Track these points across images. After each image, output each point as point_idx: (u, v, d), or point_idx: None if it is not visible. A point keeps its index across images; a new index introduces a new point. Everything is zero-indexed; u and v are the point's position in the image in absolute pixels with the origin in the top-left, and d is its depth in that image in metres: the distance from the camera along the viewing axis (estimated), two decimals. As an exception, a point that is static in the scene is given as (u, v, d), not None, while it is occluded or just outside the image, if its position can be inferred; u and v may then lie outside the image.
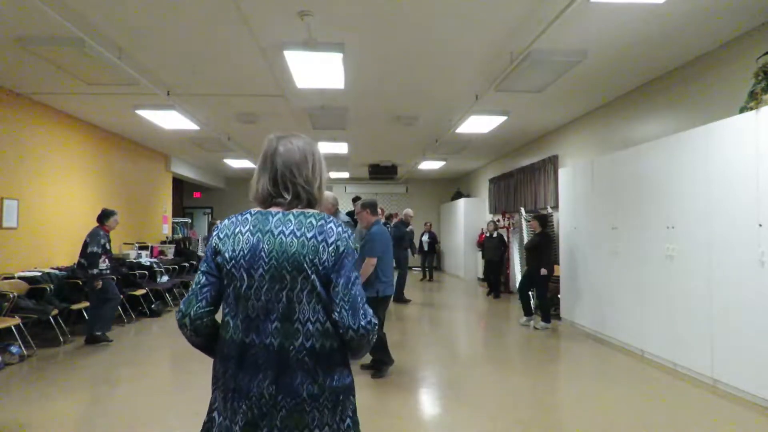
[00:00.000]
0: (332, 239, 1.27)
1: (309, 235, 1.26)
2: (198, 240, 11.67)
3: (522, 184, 9.37)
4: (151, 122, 6.96)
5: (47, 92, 5.84)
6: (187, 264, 9.36)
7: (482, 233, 10.30)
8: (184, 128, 7.24)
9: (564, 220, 6.61)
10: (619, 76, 5.32)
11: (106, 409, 3.48)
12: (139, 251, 7.99)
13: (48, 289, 5.42)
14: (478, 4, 3.71)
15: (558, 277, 6.81)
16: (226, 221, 1.34)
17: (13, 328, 4.67)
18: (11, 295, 4.78)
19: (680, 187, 4.29)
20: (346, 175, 13.91)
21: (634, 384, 4.06)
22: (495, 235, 9.14)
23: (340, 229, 1.30)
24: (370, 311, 1.28)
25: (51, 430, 3.11)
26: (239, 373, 1.23)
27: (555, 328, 6.32)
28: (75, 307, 5.65)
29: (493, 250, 9.10)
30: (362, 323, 1.24)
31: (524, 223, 8.05)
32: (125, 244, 8.12)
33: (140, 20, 3.96)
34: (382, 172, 12.16)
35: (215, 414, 1.29)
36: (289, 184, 1.32)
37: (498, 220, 9.95)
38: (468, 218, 11.96)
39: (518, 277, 8.93)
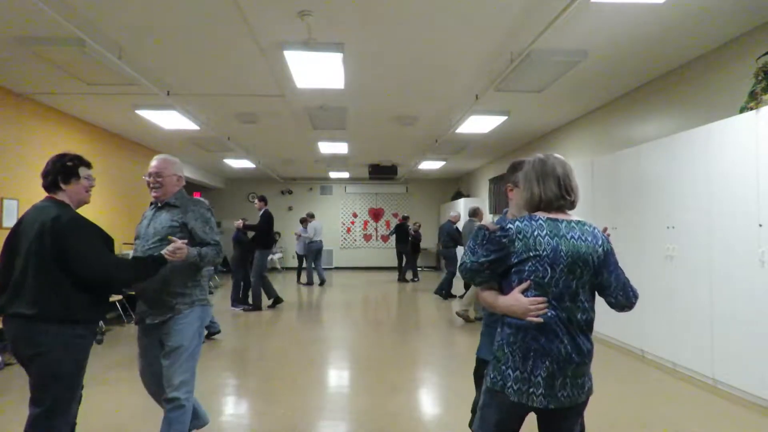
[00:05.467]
0: (600, 242, 1.71)
1: (589, 239, 1.69)
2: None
3: (522, 184, 9.35)
4: (151, 122, 6.96)
5: (47, 92, 5.84)
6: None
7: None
8: (184, 128, 7.25)
9: (564, 220, 6.61)
10: (619, 76, 5.32)
11: (104, 410, 3.48)
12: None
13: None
14: (478, 4, 3.71)
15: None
16: (518, 224, 1.70)
17: (13, 328, 4.66)
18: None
19: (680, 187, 4.29)
20: (346, 175, 13.90)
21: (634, 384, 4.06)
22: None
23: (600, 233, 1.73)
24: (634, 286, 1.75)
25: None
26: (540, 338, 1.63)
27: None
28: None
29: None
30: (633, 300, 1.74)
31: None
32: (125, 244, 8.12)
33: (140, 20, 3.96)
34: (382, 172, 12.16)
35: (509, 370, 1.66)
36: (569, 189, 1.72)
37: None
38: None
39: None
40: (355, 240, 15.41)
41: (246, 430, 3.19)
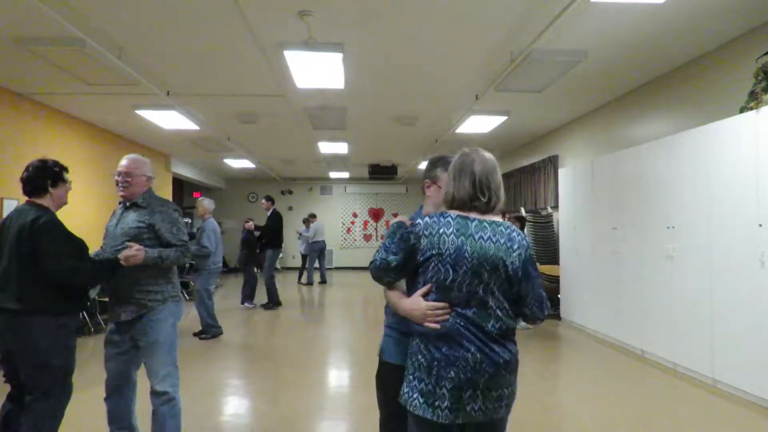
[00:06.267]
0: (516, 246, 1.56)
1: (501, 241, 1.54)
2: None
3: (522, 184, 9.36)
4: (151, 122, 6.96)
5: (47, 92, 5.84)
6: (186, 264, 9.37)
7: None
8: (184, 128, 7.25)
9: (564, 220, 6.61)
10: (619, 76, 5.31)
11: (101, 410, 3.47)
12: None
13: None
14: (478, 4, 3.71)
15: (558, 277, 6.81)
16: (427, 219, 1.57)
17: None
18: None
19: (680, 187, 4.29)
20: (346, 175, 13.90)
21: (634, 384, 4.05)
22: None
23: (520, 237, 1.59)
24: (548, 300, 1.63)
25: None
26: (443, 346, 1.50)
27: (555, 328, 6.31)
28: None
29: None
30: (546, 312, 1.62)
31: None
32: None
33: (140, 20, 3.96)
34: (382, 172, 12.17)
35: (415, 381, 1.53)
36: (485, 189, 1.57)
37: None
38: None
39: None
40: (355, 240, 15.41)
41: (246, 430, 3.19)
